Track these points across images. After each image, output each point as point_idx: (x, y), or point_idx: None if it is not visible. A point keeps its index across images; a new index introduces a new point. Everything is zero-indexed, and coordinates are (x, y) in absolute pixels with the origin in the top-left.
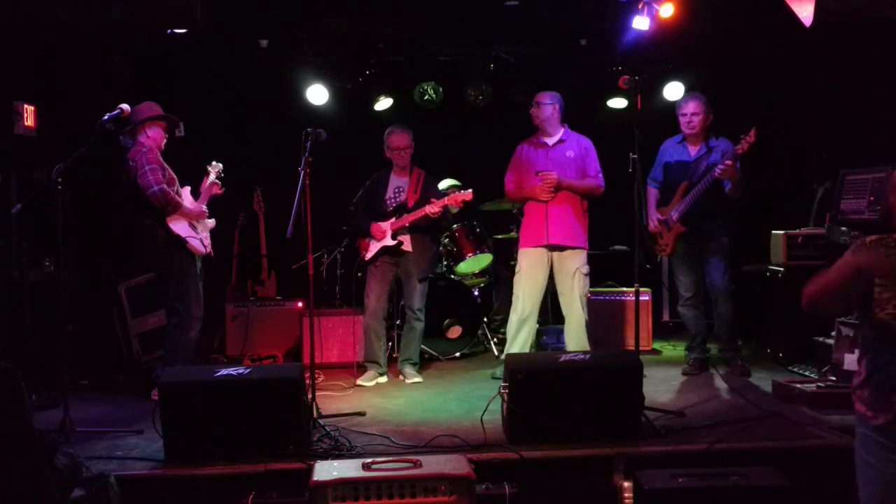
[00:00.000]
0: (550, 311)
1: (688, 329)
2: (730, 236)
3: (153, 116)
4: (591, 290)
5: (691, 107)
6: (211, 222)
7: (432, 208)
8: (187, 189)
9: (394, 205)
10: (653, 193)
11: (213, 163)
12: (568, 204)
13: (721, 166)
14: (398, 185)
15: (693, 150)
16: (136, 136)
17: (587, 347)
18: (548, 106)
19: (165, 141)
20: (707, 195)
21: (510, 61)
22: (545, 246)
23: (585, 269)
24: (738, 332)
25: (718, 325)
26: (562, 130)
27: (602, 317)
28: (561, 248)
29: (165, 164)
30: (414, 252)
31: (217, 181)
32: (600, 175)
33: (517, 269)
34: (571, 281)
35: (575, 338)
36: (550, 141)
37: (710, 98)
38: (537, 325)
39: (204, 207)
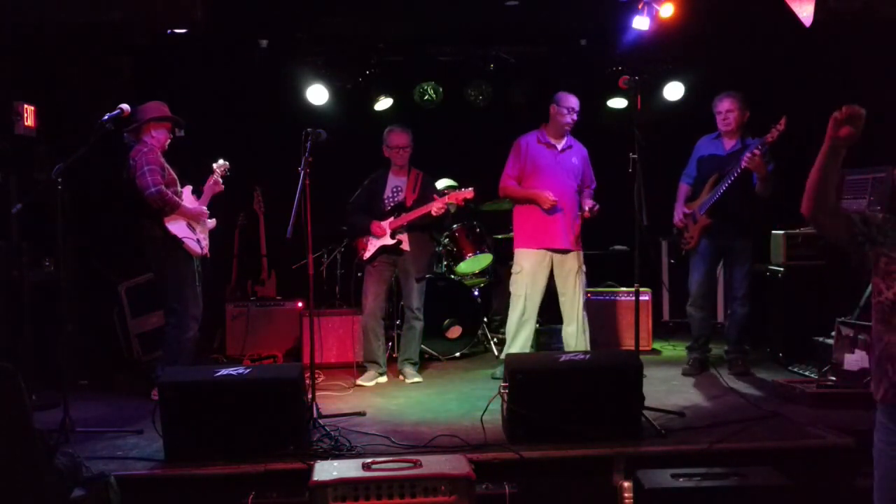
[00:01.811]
0: (550, 311)
1: (692, 330)
2: (754, 240)
3: (160, 117)
4: (591, 290)
5: (726, 104)
6: (211, 222)
7: (437, 205)
8: (188, 189)
9: (392, 204)
10: (683, 189)
11: (220, 161)
12: (574, 210)
13: (748, 155)
14: (396, 185)
15: (728, 145)
16: (140, 135)
17: (589, 348)
18: (577, 113)
19: (169, 142)
20: (735, 189)
21: (510, 61)
22: (549, 249)
23: (583, 267)
24: (748, 336)
25: (730, 325)
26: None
27: (601, 317)
28: (565, 252)
29: (166, 165)
30: (412, 251)
31: (220, 180)
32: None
33: (516, 270)
34: (574, 280)
35: (578, 338)
36: (560, 145)
37: (744, 96)
38: (537, 325)
39: (204, 208)
